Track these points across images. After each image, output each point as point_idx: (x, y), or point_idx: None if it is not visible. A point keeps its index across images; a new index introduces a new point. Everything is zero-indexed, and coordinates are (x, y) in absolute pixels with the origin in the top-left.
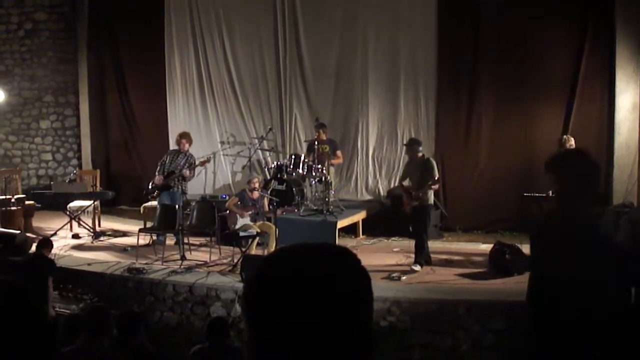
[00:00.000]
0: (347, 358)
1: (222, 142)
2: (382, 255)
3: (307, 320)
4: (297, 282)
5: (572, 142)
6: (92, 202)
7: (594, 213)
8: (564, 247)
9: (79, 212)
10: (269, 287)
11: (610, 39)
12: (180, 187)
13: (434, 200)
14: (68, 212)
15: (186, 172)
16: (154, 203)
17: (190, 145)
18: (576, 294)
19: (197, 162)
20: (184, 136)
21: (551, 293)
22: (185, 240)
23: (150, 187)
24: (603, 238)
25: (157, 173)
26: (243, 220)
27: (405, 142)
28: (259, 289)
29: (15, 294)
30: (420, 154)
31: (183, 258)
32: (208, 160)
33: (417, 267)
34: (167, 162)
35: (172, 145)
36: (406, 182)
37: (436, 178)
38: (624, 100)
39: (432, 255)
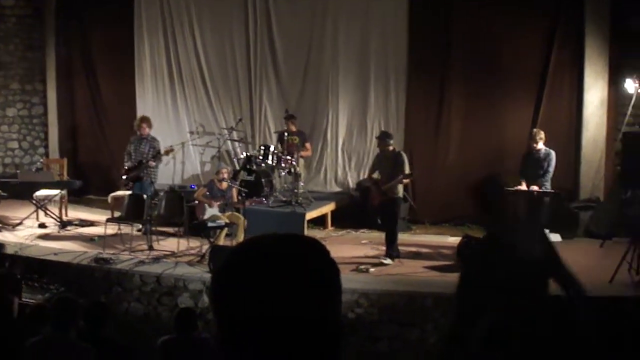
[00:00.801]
0: (316, 349)
1: (191, 132)
2: (350, 247)
3: (275, 311)
4: (265, 273)
5: (542, 136)
6: (59, 191)
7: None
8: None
9: (46, 201)
10: (237, 278)
11: (580, 34)
12: (149, 175)
13: (403, 194)
14: (34, 201)
15: (152, 163)
16: (122, 193)
17: (150, 128)
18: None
19: (161, 151)
20: (144, 120)
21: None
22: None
23: (123, 179)
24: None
25: (125, 165)
26: (211, 211)
27: (377, 135)
28: (227, 280)
29: None
30: (391, 147)
31: (151, 248)
32: (172, 149)
33: (388, 261)
34: (132, 151)
35: None
36: (375, 175)
37: (407, 172)
38: (592, 96)
39: (400, 248)
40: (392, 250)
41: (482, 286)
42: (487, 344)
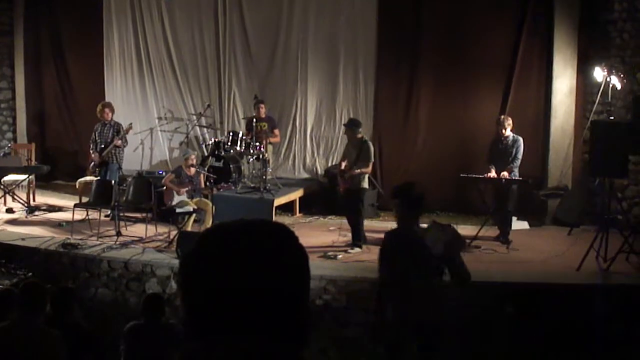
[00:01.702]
0: (284, 335)
1: (160, 118)
2: (318, 234)
3: (243, 297)
4: (234, 259)
5: (509, 122)
6: (26, 176)
7: (420, 229)
8: (401, 254)
9: (13, 186)
10: (204, 264)
11: (549, 23)
12: (115, 159)
13: (371, 179)
14: (2, 186)
15: (117, 142)
16: (90, 178)
17: (113, 114)
18: (408, 280)
19: (122, 131)
20: (106, 105)
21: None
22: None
23: (91, 166)
24: (426, 247)
25: (91, 152)
26: (180, 197)
27: (344, 123)
28: (195, 265)
29: None
30: (359, 135)
31: (118, 234)
32: (130, 127)
33: (356, 249)
34: (97, 138)
35: None
36: (345, 163)
37: (370, 163)
38: (560, 84)
39: (368, 235)
40: (357, 238)
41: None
42: None
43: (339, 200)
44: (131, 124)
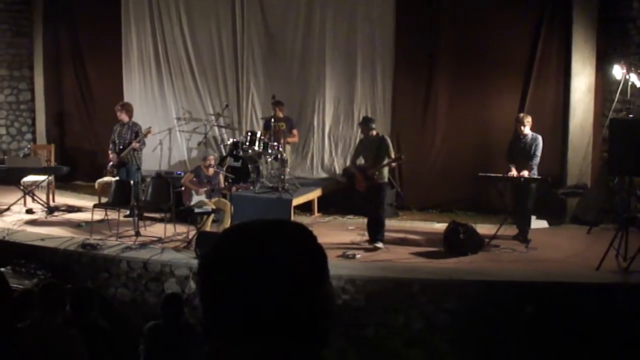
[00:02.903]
0: (304, 335)
1: (178, 118)
2: (337, 233)
3: (262, 297)
4: (253, 259)
5: (529, 120)
6: (46, 177)
7: None
8: None
9: (33, 187)
10: (224, 264)
11: (568, 20)
12: (134, 160)
13: (389, 179)
14: (22, 187)
15: (135, 145)
16: (109, 179)
17: (129, 115)
18: None
19: (141, 133)
20: (123, 106)
21: None
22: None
23: (109, 166)
24: None
25: (110, 152)
26: (198, 197)
27: (359, 122)
28: (214, 266)
29: None
30: (374, 132)
31: (138, 234)
32: (149, 130)
33: (380, 245)
34: (116, 138)
35: None
36: (359, 161)
37: (395, 156)
38: (579, 82)
39: (386, 234)
40: (381, 234)
41: None
42: None
43: (359, 199)
44: (150, 127)
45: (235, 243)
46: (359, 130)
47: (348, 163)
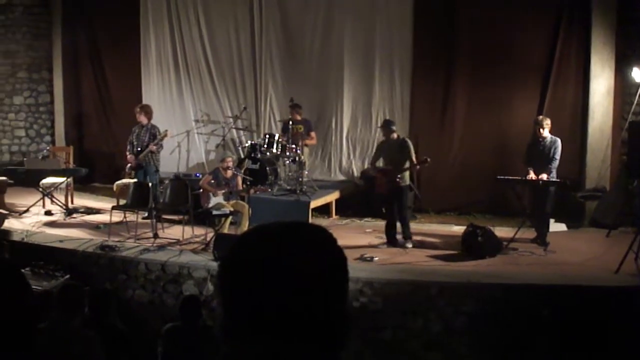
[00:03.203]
0: (323, 337)
1: (197, 121)
2: (354, 236)
3: (282, 299)
4: (273, 262)
5: (548, 122)
6: (65, 178)
7: None
8: None
9: (52, 188)
10: (243, 267)
11: (587, 23)
12: (153, 162)
13: (409, 182)
14: (41, 189)
15: (152, 148)
16: (127, 180)
17: (148, 117)
18: None
19: (160, 135)
20: (143, 108)
21: None
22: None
23: (127, 168)
24: None
25: (127, 153)
26: (216, 199)
27: (380, 125)
28: (234, 268)
29: (7, 272)
30: (395, 135)
31: (156, 236)
32: (166, 133)
33: (410, 244)
34: (134, 140)
35: None
36: (378, 164)
37: (414, 159)
38: (598, 84)
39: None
40: (409, 232)
41: None
42: None
43: (378, 202)
44: (167, 130)
45: (254, 246)
46: (379, 133)
47: (366, 165)
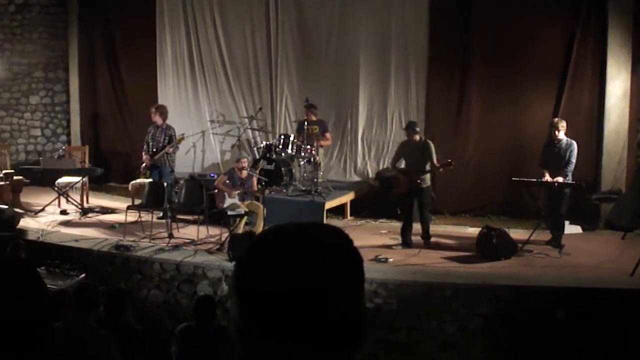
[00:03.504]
0: (338, 338)
1: (212, 121)
2: (369, 237)
3: (298, 301)
4: (289, 262)
5: (563, 125)
6: (80, 178)
7: None
8: None
9: (67, 188)
10: (259, 267)
11: (603, 25)
12: (168, 162)
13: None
14: (56, 188)
15: (169, 150)
16: (142, 180)
17: (163, 118)
18: None
19: (175, 138)
20: (158, 109)
21: None
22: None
23: (142, 167)
24: None
25: (143, 153)
26: (231, 200)
27: (404, 126)
28: (250, 269)
29: (24, 271)
30: (418, 137)
31: (171, 236)
32: (182, 137)
33: (428, 244)
34: (149, 140)
35: None
36: (399, 164)
37: (435, 161)
38: (614, 87)
39: (419, 238)
40: (429, 235)
41: None
42: None
43: (398, 202)
44: (183, 134)
45: (271, 246)
46: (395, 134)
47: (381, 166)
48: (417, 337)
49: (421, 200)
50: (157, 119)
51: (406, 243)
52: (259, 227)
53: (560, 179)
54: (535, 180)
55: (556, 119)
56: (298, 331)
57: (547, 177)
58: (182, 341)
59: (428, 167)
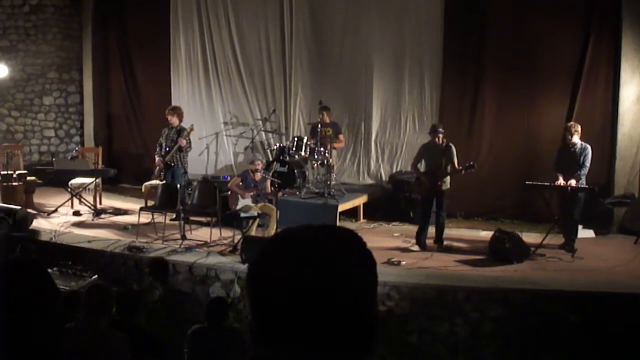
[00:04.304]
0: (352, 340)
1: (225, 123)
2: (382, 240)
3: (312, 302)
4: (302, 265)
5: (578, 129)
6: (93, 179)
7: None
8: None
9: (81, 189)
10: (273, 269)
11: (616, 29)
12: (180, 163)
13: None
14: (69, 189)
15: (182, 142)
16: (155, 182)
17: (179, 119)
18: None
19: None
20: (175, 110)
21: None
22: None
23: (156, 171)
24: None
25: (156, 156)
26: (244, 201)
27: (429, 130)
28: (264, 270)
29: (34, 269)
30: (440, 139)
31: (183, 238)
32: (192, 128)
33: (441, 249)
34: (162, 141)
35: None
36: (420, 166)
37: (457, 165)
38: (628, 91)
39: (432, 241)
40: (441, 239)
41: None
42: None
43: (417, 204)
44: (192, 125)
45: (284, 249)
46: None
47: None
48: (429, 340)
49: (440, 202)
50: (174, 120)
51: (420, 245)
52: (272, 230)
53: (573, 182)
54: (548, 184)
55: (571, 123)
56: (311, 333)
57: (561, 181)
58: (194, 343)
59: (449, 170)
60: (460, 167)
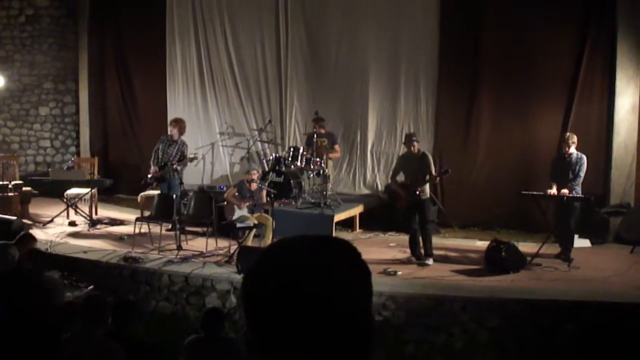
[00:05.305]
0: (347, 351)
1: (221, 133)
2: (378, 250)
3: (307, 313)
4: (297, 275)
5: (574, 140)
6: (89, 189)
7: None
8: None
9: (76, 199)
10: (267, 279)
11: (612, 39)
12: (176, 175)
13: (431, 195)
14: (65, 200)
15: (177, 168)
16: (152, 192)
17: (180, 133)
18: None
19: (187, 156)
20: (177, 122)
21: None
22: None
23: (148, 178)
24: None
25: (152, 163)
26: (240, 212)
27: (404, 140)
28: (258, 280)
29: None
30: (416, 148)
31: (179, 248)
32: (195, 157)
33: (430, 261)
34: (160, 151)
35: None
36: (399, 177)
37: (434, 173)
38: (623, 101)
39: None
40: (431, 249)
41: None
42: None
43: (400, 216)
44: (196, 154)
45: (280, 258)
46: (403, 147)
47: (389, 179)
48: (426, 351)
49: (422, 212)
50: (174, 132)
51: (416, 257)
52: (268, 240)
53: (566, 192)
54: (543, 193)
55: (567, 134)
56: (306, 342)
57: (554, 190)
58: (190, 353)
59: (426, 179)
60: (436, 174)
